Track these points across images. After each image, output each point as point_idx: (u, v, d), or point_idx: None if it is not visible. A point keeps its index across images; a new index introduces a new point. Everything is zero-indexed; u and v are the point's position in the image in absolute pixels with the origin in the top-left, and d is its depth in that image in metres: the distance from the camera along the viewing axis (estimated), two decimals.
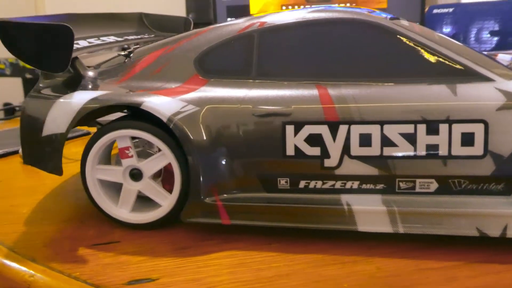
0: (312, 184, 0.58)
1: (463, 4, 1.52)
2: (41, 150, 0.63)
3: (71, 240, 0.62)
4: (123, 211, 0.63)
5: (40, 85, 0.68)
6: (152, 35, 0.90)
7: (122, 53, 0.67)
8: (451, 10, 1.56)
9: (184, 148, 0.58)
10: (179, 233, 0.62)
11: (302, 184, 0.59)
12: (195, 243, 0.60)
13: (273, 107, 0.58)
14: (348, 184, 0.57)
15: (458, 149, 0.54)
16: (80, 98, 0.61)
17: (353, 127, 0.56)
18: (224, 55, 0.62)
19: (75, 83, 0.65)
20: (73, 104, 0.61)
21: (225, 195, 0.59)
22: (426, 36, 0.58)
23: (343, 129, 0.56)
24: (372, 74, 0.58)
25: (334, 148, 0.56)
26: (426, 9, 1.52)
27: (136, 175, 0.62)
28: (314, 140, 0.57)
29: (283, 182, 0.59)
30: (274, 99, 0.58)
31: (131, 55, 0.67)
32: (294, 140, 0.57)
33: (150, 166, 0.61)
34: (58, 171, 0.63)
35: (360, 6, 1.44)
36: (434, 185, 0.56)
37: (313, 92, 0.58)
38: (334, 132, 0.56)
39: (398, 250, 0.56)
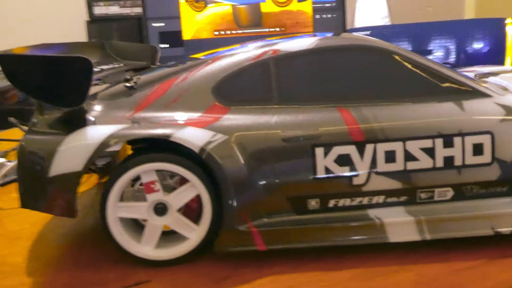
0: (341, 202, 0.61)
1: (378, 27, 1.65)
2: (48, 192, 0.58)
3: (95, 287, 0.58)
4: (147, 249, 0.60)
5: (36, 120, 0.62)
6: (121, 64, 0.88)
7: (128, 84, 0.65)
8: (368, 32, 1.69)
9: (217, 177, 0.58)
10: (210, 263, 0.61)
11: (331, 203, 0.61)
12: (233, 272, 0.59)
13: (302, 131, 0.60)
14: (375, 199, 0.61)
15: (470, 159, 0.60)
16: (97, 133, 0.58)
17: (378, 145, 0.59)
18: (242, 83, 0.63)
19: (79, 116, 0.61)
20: (90, 140, 0.57)
21: (258, 220, 0.60)
22: (425, 59, 0.65)
23: (369, 147, 0.60)
24: (388, 95, 0.62)
25: (362, 166, 0.60)
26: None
27: (160, 209, 0.60)
28: (343, 160, 0.60)
29: (313, 203, 0.61)
30: (301, 123, 0.60)
31: (135, 85, 0.65)
32: (324, 161, 0.60)
33: (178, 199, 0.60)
34: (71, 213, 0.58)
35: (289, 31, 1.51)
36: (450, 193, 0.61)
37: (336, 114, 0.61)
38: (361, 151, 0.60)
39: (428, 256, 0.60)
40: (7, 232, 0.73)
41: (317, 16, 1.52)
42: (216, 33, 1.43)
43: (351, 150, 0.60)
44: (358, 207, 0.61)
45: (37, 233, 0.71)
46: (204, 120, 0.60)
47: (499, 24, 1.48)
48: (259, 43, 0.68)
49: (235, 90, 0.63)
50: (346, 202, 0.61)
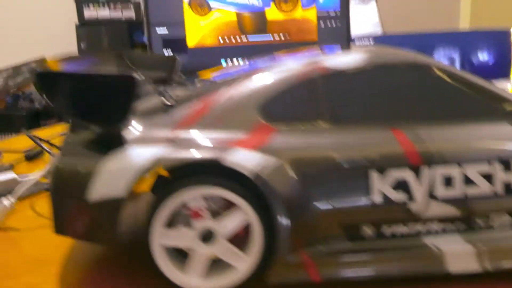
0: (397, 230, 0.58)
1: (382, 36, 1.64)
2: (87, 218, 0.54)
3: None
4: (193, 280, 0.56)
5: (70, 140, 0.58)
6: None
7: (166, 102, 0.60)
8: (372, 41, 1.68)
9: (271, 204, 0.54)
10: None
11: (387, 230, 0.58)
12: None
13: (356, 153, 0.56)
14: (433, 227, 0.58)
15: None
16: (139, 156, 0.53)
17: (436, 169, 0.57)
18: (289, 102, 0.60)
19: (115, 135, 0.56)
20: (135, 163, 0.53)
21: (312, 249, 0.56)
22: (477, 78, 0.62)
23: (426, 171, 0.57)
24: (442, 115, 0.59)
25: (420, 191, 0.57)
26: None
27: (206, 237, 0.56)
28: (400, 185, 0.57)
29: (367, 230, 0.58)
30: (354, 145, 0.57)
31: (173, 102, 0.61)
32: (380, 186, 0.56)
33: (226, 225, 0.56)
34: (112, 241, 0.54)
35: (292, 38, 1.48)
36: (508, 219, 0.59)
37: (390, 135, 0.58)
38: (418, 175, 0.57)
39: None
40: (30, 256, 0.68)
41: (322, 26, 1.50)
42: (222, 40, 1.39)
43: (407, 174, 0.57)
44: (416, 235, 0.58)
45: (64, 257, 0.66)
46: (253, 142, 0.56)
47: (504, 36, 1.47)
48: (299, 58, 0.64)
49: (282, 109, 0.59)
50: (402, 229, 0.58)
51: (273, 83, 0.60)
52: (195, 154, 0.53)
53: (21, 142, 1.13)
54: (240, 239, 0.57)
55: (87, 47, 2.21)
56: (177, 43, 1.37)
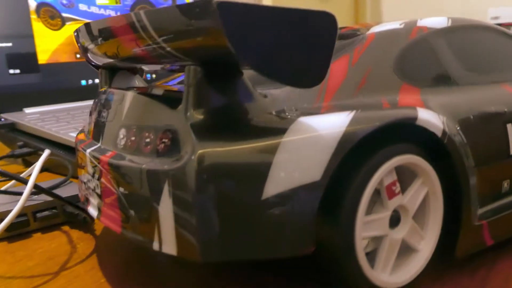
0: None
1: None
2: (266, 225, 0.37)
3: None
4: (384, 275, 0.44)
5: (209, 122, 0.38)
6: None
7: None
8: None
9: (455, 165, 0.47)
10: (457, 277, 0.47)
11: None
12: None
13: (495, 108, 0.53)
14: None
15: None
16: (330, 123, 0.40)
17: None
18: (414, 63, 0.53)
19: (258, 112, 0.41)
20: (326, 135, 0.39)
21: (484, 211, 0.51)
22: None
23: None
24: None
25: None
26: None
27: (392, 219, 0.45)
28: None
29: (505, 185, 0.55)
30: (491, 99, 0.54)
31: None
32: None
33: (413, 201, 0.46)
34: (305, 248, 0.38)
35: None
36: None
37: (504, 91, 0.56)
38: None
39: None
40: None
41: None
42: (78, 56, 1.17)
43: None
44: None
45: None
46: (413, 102, 0.48)
47: None
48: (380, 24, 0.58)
49: (412, 70, 0.53)
50: None
51: (392, 44, 0.53)
52: (388, 115, 0.43)
53: None
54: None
55: None
56: (26, 59, 1.09)
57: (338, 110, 0.41)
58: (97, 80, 1.20)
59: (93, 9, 1.20)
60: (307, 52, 0.38)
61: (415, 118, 0.43)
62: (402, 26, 0.56)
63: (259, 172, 0.35)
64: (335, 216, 0.39)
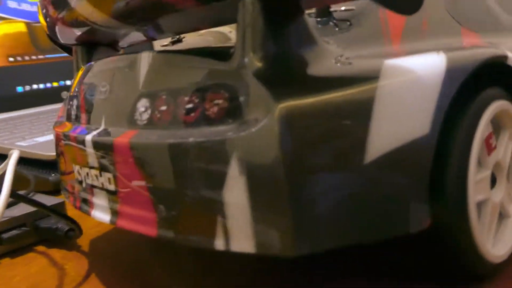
0: None
1: None
2: (370, 195, 0.28)
3: None
4: (488, 246, 0.36)
5: (289, 76, 0.28)
6: None
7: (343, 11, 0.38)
8: None
9: None
10: None
11: None
12: None
13: None
14: None
15: None
16: (425, 64, 0.31)
17: None
18: (464, 7, 0.47)
19: (329, 56, 0.32)
20: (427, 75, 0.30)
21: None
22: None
23: None
24: None
25: None
26: None
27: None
28: None
29: None
30: None
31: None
32: None
33: (506, 157, 0.38)
34: (417, 226, 0.29)
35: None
36: None
37: None
38: None
39: None
40: None
41: None
42: (12, 59, 1.02)
43: None
44: None
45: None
46: (482, 45, 0.41)
47: None
48: None
49: (465, 14, 0.46)
50: None
51: None
52: (482, 54, 0.35)
53: None
54: None
55: None
56: None
57: (418, 52, 0.33)
58: (41, 86, 1.06)
59: (25, 6, 1.06)
60: None
61: (506, 57, 0.36)
62: None
63: (357, 127, 0.27)
64: (441, 177, 0.30)
